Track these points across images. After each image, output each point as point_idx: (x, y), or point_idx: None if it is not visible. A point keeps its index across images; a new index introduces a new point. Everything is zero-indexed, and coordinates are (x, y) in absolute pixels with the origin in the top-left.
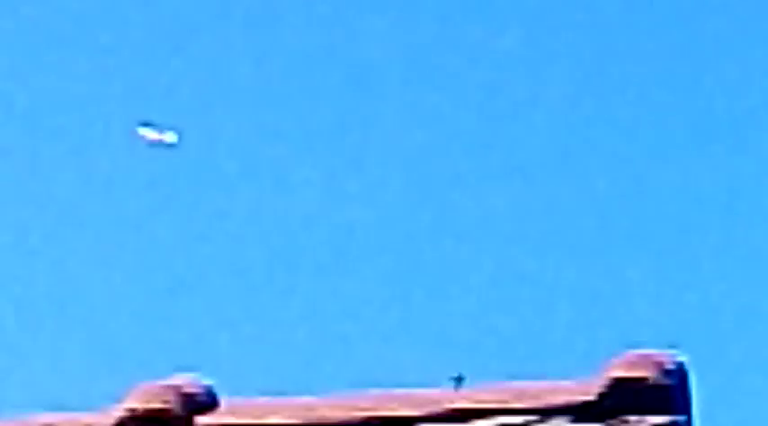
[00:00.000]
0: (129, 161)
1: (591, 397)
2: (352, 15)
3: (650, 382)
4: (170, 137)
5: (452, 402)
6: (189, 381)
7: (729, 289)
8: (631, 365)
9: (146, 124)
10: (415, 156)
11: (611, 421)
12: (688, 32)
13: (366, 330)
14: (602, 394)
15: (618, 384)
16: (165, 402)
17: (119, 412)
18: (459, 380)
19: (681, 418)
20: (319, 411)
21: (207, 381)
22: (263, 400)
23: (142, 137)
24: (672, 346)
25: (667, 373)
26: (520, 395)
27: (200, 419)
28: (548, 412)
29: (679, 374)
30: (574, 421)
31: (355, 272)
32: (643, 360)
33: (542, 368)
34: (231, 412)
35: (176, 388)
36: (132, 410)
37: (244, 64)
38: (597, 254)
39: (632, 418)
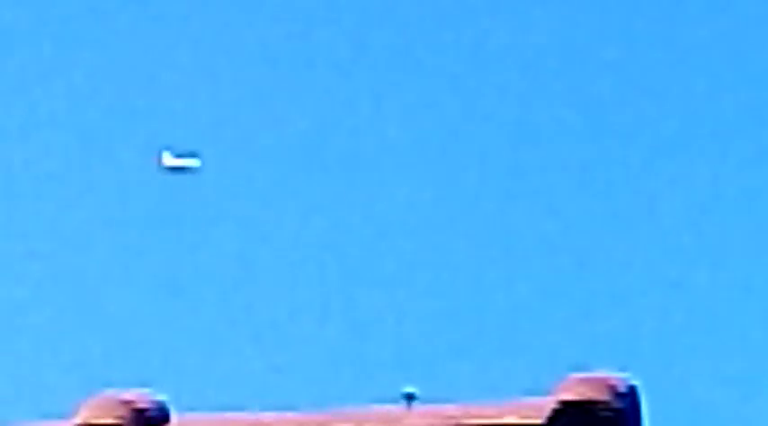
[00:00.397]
0: (150, 186)
1: (540, 420)
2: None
3: (601, 405)
4: (192, 162)
5: (404, 420)
6: (141, 396)
7: (681, 311)
8: (582, 387)
9: (169, 150)
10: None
11: None
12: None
13: (318, 348)
14: (552, 417)
15: (567, 406)
16: (118, 416)
17: (71, 425)
18: (410, 398)
19: None
20: None
21: (159, 396)
22: (214, 415)
23: (165, 163)
24: (623, 369)
25: (618, 395)
26: (471, 416)
27: None
28: None
29: (630, 396)
30: None
31: (305, 290)
32: (594, 383)
33: (494, 390)
34: None
35: (129, 403)
36: (85, 424)
37: (266, 93)
38: (549, 276)
39: None
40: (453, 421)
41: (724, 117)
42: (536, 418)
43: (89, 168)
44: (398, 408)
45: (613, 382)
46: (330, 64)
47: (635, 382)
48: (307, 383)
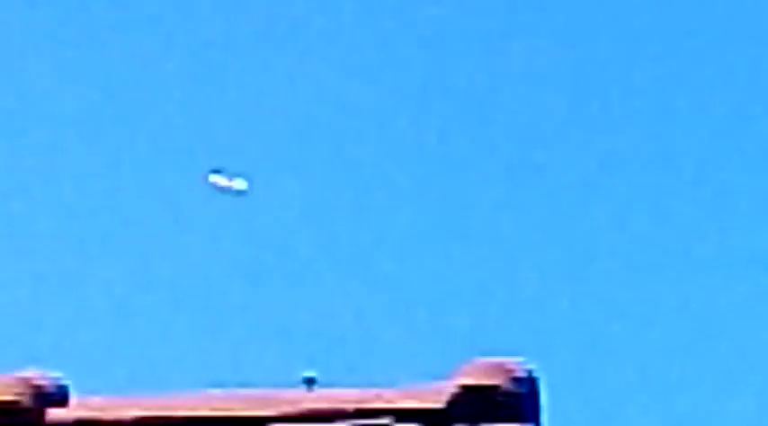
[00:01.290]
0: (199, 207)
1: (440, 405)
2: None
3: (500, 390)
4: (239, 183)
5: (304, 403)
6: (40, 374)
7: (582, 297)
8: (481, 372)
9: (217, 171)
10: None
11: None
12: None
13: (222, 329)
14: (451, 401)
15: (467, 391)
16: (17, 394)
17: None
18: (310, 382)
19: (530, 425)
20: (171, 408)
21: (58, 375)
22: (114, 396)
23: (213, 184)
24: (521, 353)
25: (517, 381)
26: (371, 399)
27: (51, 412)
28: (399, 417)
29: (528, 381)
30: (426, 424)
31: (212, 272)
32: (492, 368)
33: (394, 374)
34: (82, 407)
35: (27, 381)
36: None
37: (312, 115)
38: (448, 258)
39: (483, 424)
40: (353, 405)
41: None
42: (435, 402)
43: (137, 188)
44: (298, 392)
45: (511, 367)
46: (375, 88)
47: (533, 367)
48: (208, 366)
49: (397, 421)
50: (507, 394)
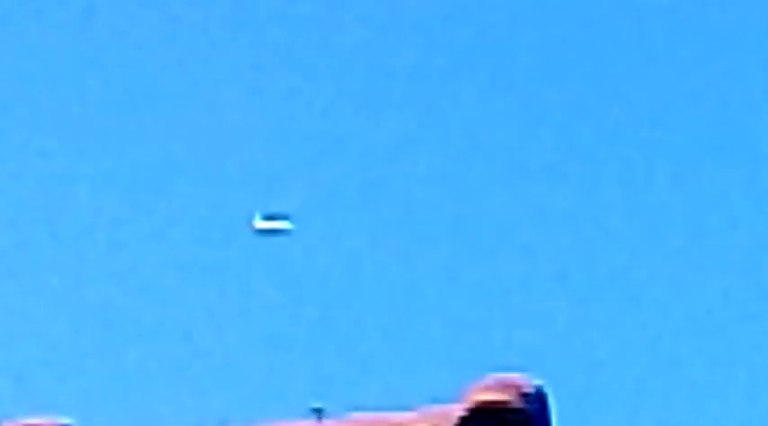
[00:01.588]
0: (244, 248)
1: (452, 422)
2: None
3: (510, 406)
4: (284, 225)
5: None
6: (50, 421)
7: (590, 316)
8: (491, 389)
9: (262, 213)
10: None
11: None
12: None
13: (233, 361)
14: (464, 418)
15: (476, 411)
16: None
17: None
18: (319, 412)
19: None
20: None
21: (67, 422)
22: None
23: (258, 225)
24: (530, 370)
25: (526, 396)
26: (382, 424)
27: None
28: None
29: (538, 397)
30: None
31: (201, 302)
32: (502, 385)
33: (404, 395)
34: None
35: None
36: None
37: (358, 156)
38: (456, 282)
39: None
40: None
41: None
42: (445, 424)
43: (183, 231)
44: (309, 422)
45: (520, 384)
46: (418, 129)
47: (542, 383)
48: (219, 398)
49: None
50: (517, 410)
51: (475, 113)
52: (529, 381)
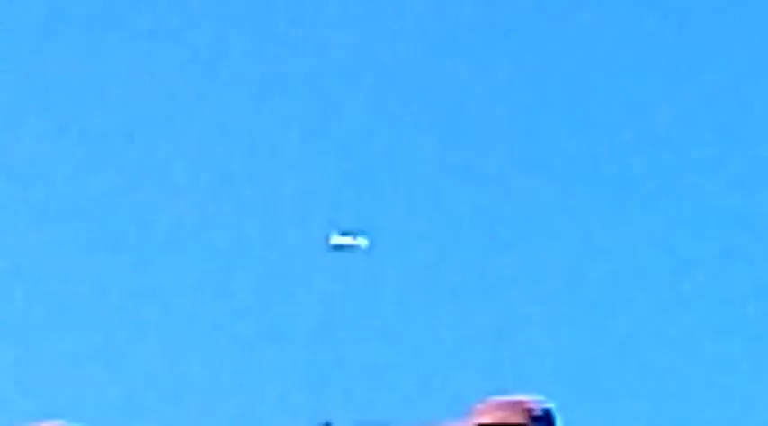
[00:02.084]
0: (322, 265)
1: None
2: None
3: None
4: (362, 242)
5: None
6: None
7: (593, 333)
8: (499, 411)
9: (339, 230)
10: None
11: None
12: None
13: (242, 377)
14: None
15: None
16: None
17: None
18: None
19: None
20: None
21: None
22: None
23: (335, 242)
24: (539, 392)
25: (535, 419)
26: None
27: None
28: None
29: (546, 420)
30: None
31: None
32: (511, 406)
33: (413, 414)
34: None
35: None
36: None
37: (432, 172)
38: (466, 299)
39: None
40: None
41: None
42: None
43: (261, 248)
44: None
45: (529, 405)
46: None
47: (550, 405)
48: (231, 413)
49: None
50: None
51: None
52: (538, 403)
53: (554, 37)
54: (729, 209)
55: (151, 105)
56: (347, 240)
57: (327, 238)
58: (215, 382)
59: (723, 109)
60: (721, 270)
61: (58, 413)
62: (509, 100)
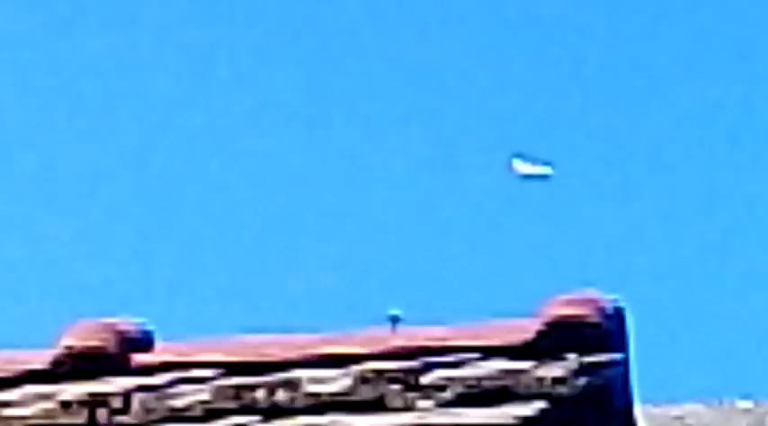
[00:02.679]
0: (503, 193)
1: (529, 336)
2: None
3: (586, 321)
4: (544, 169)
5: (389, 341)
6: (125, 321)
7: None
8: (570, 305)
9: (520, 156)
10: None
11: (549, 360)
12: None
13: (303, 273)
14: (541, 332)
15: (554, 326)
16: (102, 340)
17: (56, 349)
18: (395, 321)
19: (618, 356)
20: (254, 351)
21: (142, 321)
22: (196, 340)
23: (516, 170)
24: (610, 289)
25: (605, 313)
26: (459, 335)
27: (136, 357)
28: (487, 351)
29: (617, 314)
30: (512, 359)
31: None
32: (581, 301)
33: (482, 311)
34: (167, 351)
35: (112, 326)
36: (69, 347)
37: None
38: (533, 197)
39: (570, 356)
40: (439, 343)
41: None
42: (521, 336)
43: (440, 173)
44: (383, 330)
45: (601, 302)
46: None
47: (621, 300)
48: (291, 307)
49: (488, 353)
50: (594, 325)
51: None
52: (607, 298)
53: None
54: None
55: None
56: (529, 167)
57: (510, 166)
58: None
59: None
60: None
61: None
62: None
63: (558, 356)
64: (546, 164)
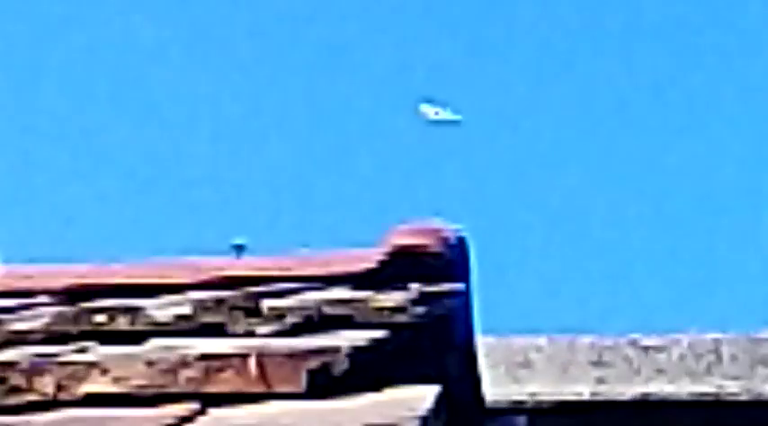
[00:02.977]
0: (411, 137)
1: (371, 265)
2: None
3: (430, 251)
4: (451, 115)
5: (230, 269)
6: None
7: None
8: (412, 235)
9: (428, 101)
10: None
11: (389, 289)
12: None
13: (152, 200)
14: (383, 261)
15: (396, 255)
16: None
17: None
18: (239, 249)
19: (460, 286)
20: (98, 276)
21: None
22: (38, 266)
23: (424, 114)
24: (452, 219)
25: (448, 243)
26: (301, 264)
27: None
28: (329, 280)
29: (460, 244)
30: (354, 288)
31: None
32: (424, 231)
33: (322, 242)
34: (7, 276)
35: None
36: None
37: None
38: (383, 132)
39: (413, 286)
40: (282, 272)
41: None
42: (363, 267)
43: (351, 119)
44: (227, 259)
45: (444, 232)
46: None
47: (463, 230)
48: (137, 234)
49: (330, 282)
50: (436, 255)
51: None
52: (449, 228)
53: None
54: None
55: None
56: (436, 111)
57: (417, 110)
58: None
59: None
60: None
61: None
62: None
63: (398, 286)
64: (451, 107)
